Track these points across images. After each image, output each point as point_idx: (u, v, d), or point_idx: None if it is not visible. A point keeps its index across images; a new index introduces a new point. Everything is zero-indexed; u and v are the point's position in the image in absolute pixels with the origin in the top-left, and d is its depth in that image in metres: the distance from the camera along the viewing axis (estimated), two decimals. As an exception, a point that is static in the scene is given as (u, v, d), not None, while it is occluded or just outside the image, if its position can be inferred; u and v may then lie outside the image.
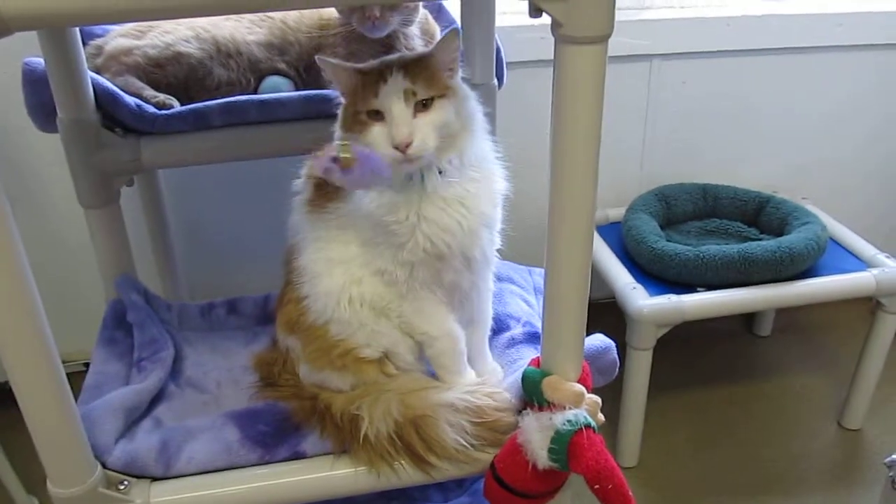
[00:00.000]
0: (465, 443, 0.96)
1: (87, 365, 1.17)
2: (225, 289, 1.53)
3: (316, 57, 0.92)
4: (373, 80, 0.91)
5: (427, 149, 0.90)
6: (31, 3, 0.65)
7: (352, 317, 1.01)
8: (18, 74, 1.17)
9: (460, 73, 0.96)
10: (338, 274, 1.01)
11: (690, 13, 1.90)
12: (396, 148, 0.89)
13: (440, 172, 0.94)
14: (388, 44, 1.25)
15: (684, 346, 2.02)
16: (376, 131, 0.91)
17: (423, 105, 0.91)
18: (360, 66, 0.94)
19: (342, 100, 0.97)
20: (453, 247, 0.96)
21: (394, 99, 0.90)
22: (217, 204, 1.83)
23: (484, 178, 0.97)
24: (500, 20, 1.29)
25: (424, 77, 0.91)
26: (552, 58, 0.78)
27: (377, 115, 0.91)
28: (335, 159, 0.89)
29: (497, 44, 1.28)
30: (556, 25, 0.75)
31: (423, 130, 0.90)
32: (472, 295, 1.05)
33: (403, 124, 0.89)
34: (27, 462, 1.57)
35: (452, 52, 0.93)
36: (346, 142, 0.92)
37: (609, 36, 0.75)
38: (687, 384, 1.97)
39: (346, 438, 0.99)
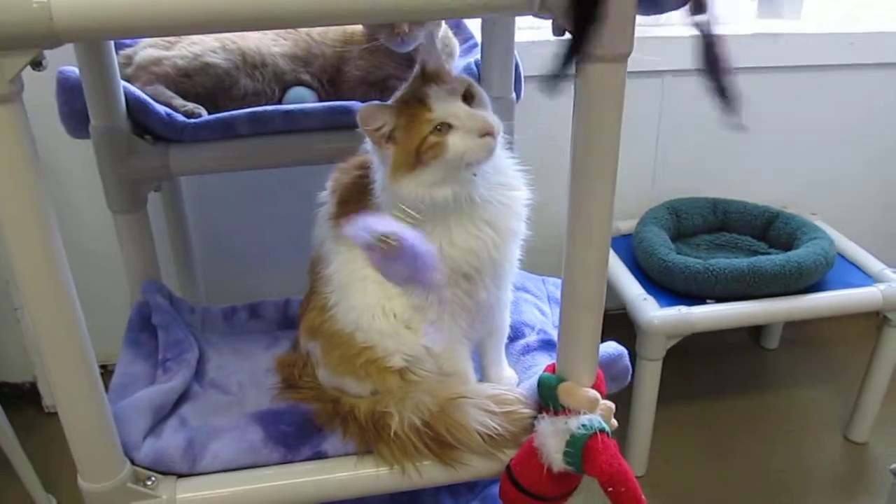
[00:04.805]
0: (488, 429, 0.98)
1: (103, 367, 1.20)
2: (241, 294, 1.56)
3: (357, 112, 0.91)
4: (415, 103, 0.93)
5: (500, 126, 0.92)
6: (83, 17, 0.68)
7: (387, 327, 1.03)
8: (43, 80, 1.20)
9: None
10: (372, 291, 1.02)
11: (703, 30, 1.93)
12: (488, 134, 0.90)
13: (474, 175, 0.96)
14: (411, 58, 1.28)
15: (693, 357, 2.05)
16: (454, 139, 0.91)
17: (465, 99, 0.93)
18: (391, 102, 0.95)
19: (386, 152, 0.94)
20: (481, 269, 0.99)
21: (450, 101, 0.92)
22: (237, 211, 1.86)
23: (508, 191, 1.00)
24: (517, 35, 1.32)
25: (443, 79, 0.94)
26: (567, 72, 0.80)
27: (442, 129, 0.91)
28: (381, 240, 0.83)
29: (516, 58, 1.31)
30: (578, 44, 0.78)
31: (488, 114, 0.92)
32: (494, 308, 1.08)
33: (478, 112, 0.92)
34: (45, 461, 1.60)
35: (434, 55, 0.96)
36: (403, 215, 0.88)
37: (629, 54, 0.78)
38: (695, 395, 1.99)
39: (370, 439, 1.01)
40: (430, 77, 0.95)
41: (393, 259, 0.87)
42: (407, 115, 0.93)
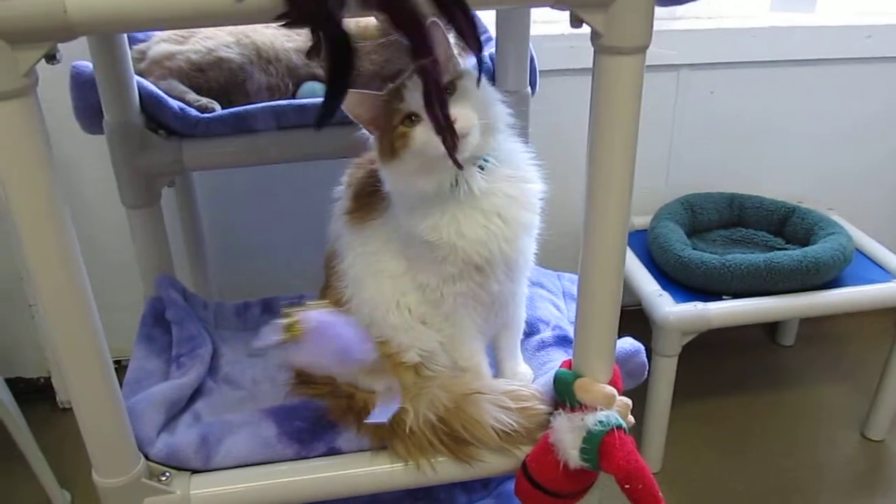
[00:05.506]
0: (503, 425, 0.97)
1: (117, 362, 1.20)
2: (255, 289, 1.56)
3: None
4: (394, 93, 0.92)
5: (472, 124, 0.89)
6: (97, 10, 0.67)
7: (401, 322, 1.03)
8: (57, 75, 1.20)
9: (463, 63, 0.94)
10: (386, 286, 1.02)
11: (718, 24, 1.92)
12: None
13: (480, 169, 0.95)
14: (424, 52, 1.28)
15: (709, 353, 2.03)
16: (419, 130, 0.89)
17: (447, 92, 0.90)
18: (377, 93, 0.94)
19: (371, 134, 0.96)
20: (492, 261, 0.98)
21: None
22: (250, 206, 1.86)
23: (520, 184, 0.99)
24: (532, 29, 1.31)
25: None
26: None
27: (412, 120, 0.90)
28: (289, 329, 0.88)
29: (531, 52, 1.30)
30: (595, 36, 0.77)
31: (460, 111, 0.89)
32: (509, 302, 1.07)
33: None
34: (60, 457, 1.61)
35: (441, 44, 0.92)
36: (290, 312, 0.92)
37: (647, 46, 0.77)
38: (711, 391, 1.98)
39: (384, 435, 1.01)
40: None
41: (303, 344, 0.91)
42: (386, 104, 0.92)
